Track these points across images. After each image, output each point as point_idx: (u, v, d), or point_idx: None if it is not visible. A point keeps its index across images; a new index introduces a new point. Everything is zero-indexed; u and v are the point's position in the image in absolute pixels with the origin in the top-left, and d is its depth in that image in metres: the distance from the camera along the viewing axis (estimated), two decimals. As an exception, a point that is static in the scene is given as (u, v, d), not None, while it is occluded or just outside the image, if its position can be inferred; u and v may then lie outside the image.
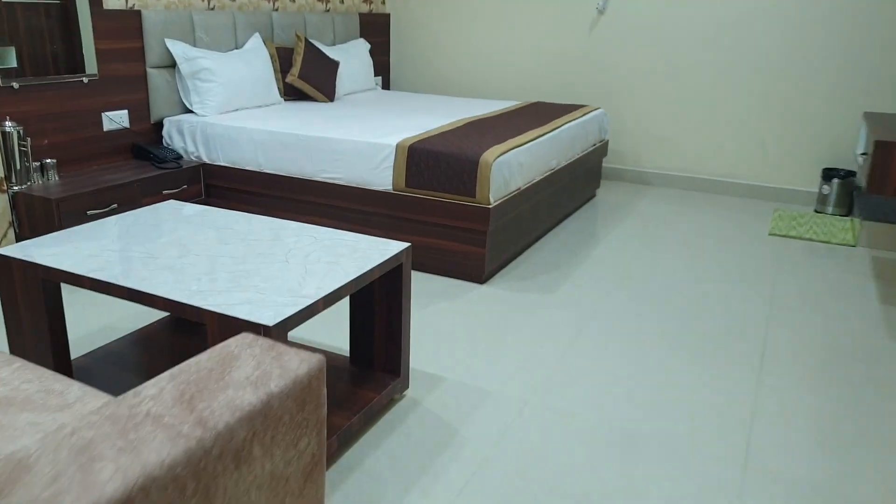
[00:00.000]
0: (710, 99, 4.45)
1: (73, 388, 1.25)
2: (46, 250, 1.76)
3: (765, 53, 4.25)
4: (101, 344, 2.35)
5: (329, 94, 4.23)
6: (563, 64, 4.83)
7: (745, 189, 4.51)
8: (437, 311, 2.69)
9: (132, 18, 3.39)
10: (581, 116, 3.93)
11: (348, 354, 2.20)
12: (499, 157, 2.87)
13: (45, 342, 1.80)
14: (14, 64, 2.98)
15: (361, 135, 3.17)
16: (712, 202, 4.38)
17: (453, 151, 2.90)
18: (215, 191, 3.53)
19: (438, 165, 2.91)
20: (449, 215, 2.93)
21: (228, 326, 1.44)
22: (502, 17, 4.94)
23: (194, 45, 3.70)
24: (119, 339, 2.18)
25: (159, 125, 3.64)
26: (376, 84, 5.24)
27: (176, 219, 2.06)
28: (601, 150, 4.25)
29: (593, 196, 4.44)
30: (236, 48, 3.97)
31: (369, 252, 1.83)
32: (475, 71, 5.16)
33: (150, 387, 0.89)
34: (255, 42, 4.00)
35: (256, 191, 3.40)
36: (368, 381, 1.97)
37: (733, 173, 4.52)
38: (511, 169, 2.97)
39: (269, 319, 1.42)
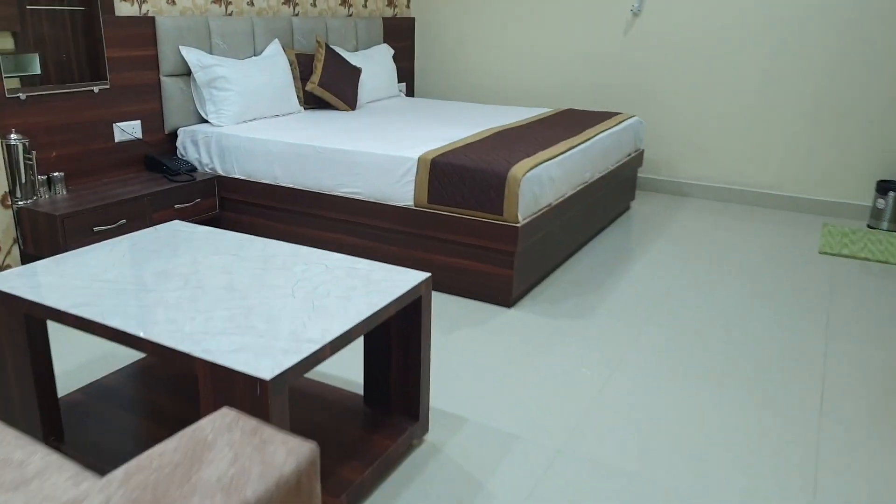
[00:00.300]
0: (753, 104, 4.19)
1: (36, 459, 1.07)
2: (30, 280, 1.61)
3: (814, 55, 3.98)
4: (99, 376, 2.19)
5: (350, 102, 4.06)
6: (595, 69, 4.61)
7: (791, 202, 4.24)
8: (460, 338, 2.49)
9: (145, 25, 3.26)
10: (616, 125, 3.71)
11: (362, 391, 2.01)
12: (528, 171, 2.67)
13: (27, 381, 1.64)
14: (38, 71, 2.86)
15: (382, 147, 2.99)
16: (755, 216, 4.12)
17: (479, 166, 2.70)
18: (230, 204, 3.38)
19: (463, 181, 2.72)
20: (474, 234, 2.73)
21: (221, 378, 1.26)
22: (532, 20, 4.74)
23: (210, 53, 3.56)
24: (116, 371, 2.02)
25: (174, 136, 3.50)
26: (400, 91, 5.07)
27: (178, 242, 1.90)
28: (636, 160, 4.02)
29: (627, 209, 4.21)
30: (255, 55, 3.82)
31: (384, 284, 1.64)
32: (503, 77, 4.96)
33: (96, 493, 0.71)
34: (274, 48, 3.85)
35: (272, 205, 3.24)
36: (384, 425, 1.78)
37: (778, 184, 4.26)
38: (541, 184, 2.76)
39: (267, 371, 1.24)
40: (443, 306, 2.76)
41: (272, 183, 3.21)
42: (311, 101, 4.02)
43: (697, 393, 2.16)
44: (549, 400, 2.10)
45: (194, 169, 3.39)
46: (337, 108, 4.06)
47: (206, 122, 3.52)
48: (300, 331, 1.39)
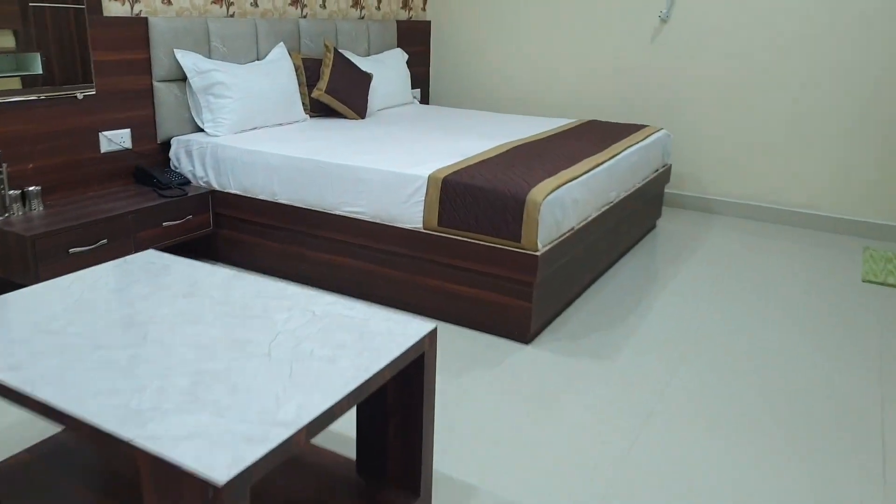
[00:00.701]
0: (789, 117, 3.89)
1: None
2: (-36, 330, 1.36)
3: (857, 66, 3.67)
4: (11, 452, 1.83)
5: (360, 110, 3.80)
6: (620, 77, 4.33)
7: (829, 222, 3.93)
8: (470, 383, 2.22)
9: (137, 27, 3.02)
10: (643, 139, 3.42)
11: (354, 457, 1.75)
12: (549, 194, 2.40)
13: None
14: (40, 71, 2.65)
15: (389, 163, 2.73)
16: (790, 237, 3.82)
17: (495, 187, 2.43)
18: (226, 221, 3.13)
19: (477, 203, 2.45)
20: (488, 261, 2.46)
21: (166, 476, 1.01)
22: (554, 25, 4.46)
23: (209, 57, 3.32)
24: (35, 445, 1.71)
25: (167, 146, 3.26)
26: (414, 98, 4.81)
27: (147, 279, 1.65)
28: (664, 176, 3.74)
29: (653, 227, 3.92)
30: (258, 59, 3.58)
31: (380, 340, 1.38)
32: (523, 85, 4.69)
33: None
34: (279, 52, 3.60)
35: (270, 223, 2.99)
36: (378, 501, 1.52)
37: (814, 203, 3.95)
38: (564, 208, 2.49)
39: (222, 471, 0.98)
40: (452, 342, 2.50)
41: (270, 199, 2.96)
42: (317, 109, 3.77)
43: (738, 451, 1.87)
44: (571, 461, 1.82)
45: (188, 182, 3.15)
46: (345, 117, 3.81)
47: (202, 131, 3.28)
48: (271, 408, 1.13)
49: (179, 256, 1.78)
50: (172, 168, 3.24)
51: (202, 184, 3.16)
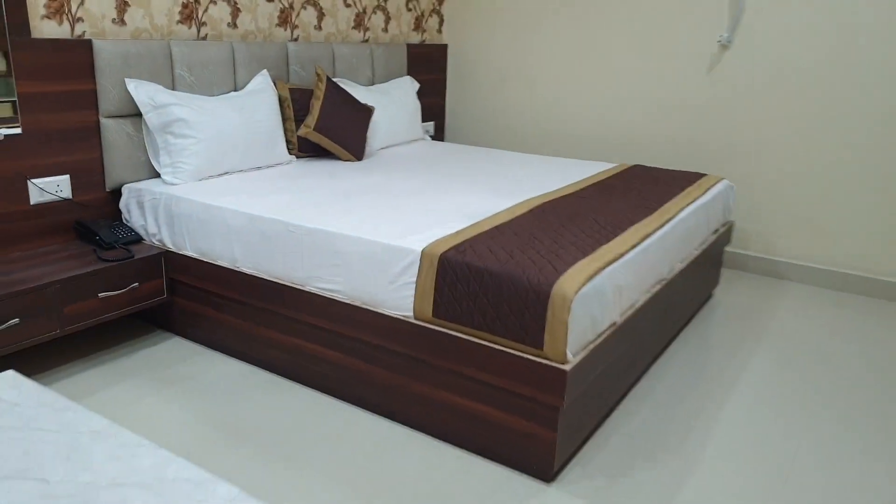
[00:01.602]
0: (878, 164, 3.18)
1: None
2: None
3: (970, 108, 2.97)
4: None
5: (356, 150, 3.21)
6: (670, 113, 3.66)
7: (930, 295, 3.20)
8: (468, 554, 1.57)
9: (79, 51, 2.47)
10: (702, 194, 2.76)
11: None
12: (585, 284, 1.75)
13: None
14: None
15: (374, 229, 2.11)
16: (882, 313, 3.09)
17: (510, 271, 1.79)
18: (183, 289, 2.54)
19: (485, 292, 1.81)
20: (498, 372, 1.82)
21: None
22: (590, 50, 3.83)
23: (172, 88, 2.76)
24: None
25: (119, 194, 2.69)
26: (426, 132, 4.21)
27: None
28: (725, 236, 3.06)
29: (709, 297, 3.23)
30: (235, 90, 3.01)
31: None
32: (554, 119, 4.05)
33: None
34: (261, 82, 3.03)
35: (231, 296, 2.39)
36: None
37: (911, 271, 3.23)
38: (604, 300, 1.84)
39: None
40: (449, 473, 1.85)
41: (231, 266, 2.37)
42: (306, 149, 3.18)
43: None
44: None
45: (139, 240, 2.58)
46: (339, 158, 3.21)
47: (160, 177, 2.70)
48: None
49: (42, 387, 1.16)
50: (125, 221, 2.67)
51: (155, 242, 2.58)
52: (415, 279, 1.95)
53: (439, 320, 1.91)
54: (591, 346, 1.82)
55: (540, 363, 1.74)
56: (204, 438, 2.00)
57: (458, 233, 2.05)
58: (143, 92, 2.60)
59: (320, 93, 3.13)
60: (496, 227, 2.12)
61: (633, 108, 3.76)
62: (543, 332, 1.73)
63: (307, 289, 2.18)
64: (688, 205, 2.58)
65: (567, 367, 1.71)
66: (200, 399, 2.21)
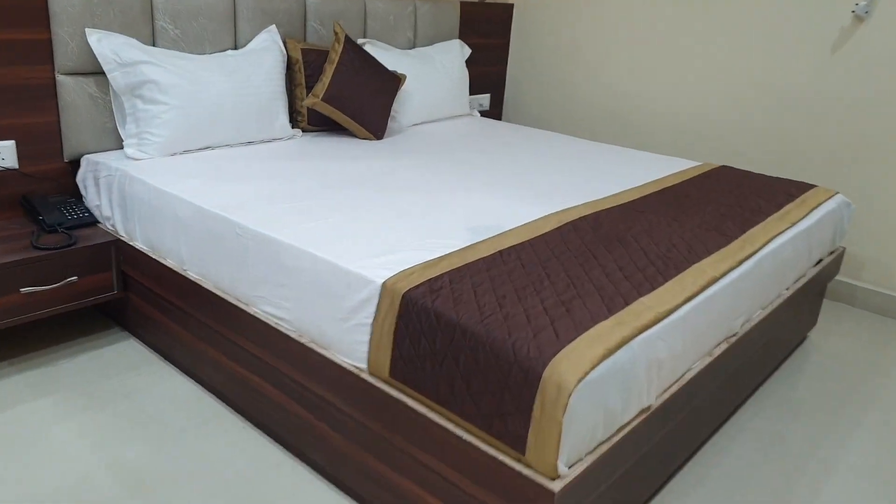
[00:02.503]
0: None
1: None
2: None
3: None
4: None
5: (375, 127, 2.67)
6: (777, 104, 2.90)
7: None
8: None
9: (27, -8, 2.04)
10: (805, 215, 2.06)
11: None
12: (596, 366, 1.16)
13: None
14: None
15: (333, 243, 1.58)
16: None
17: (490, 335, 1.22)
18: (136, 287, 2.11)
19: (455, 355, 1.26)
20: (464, 470, 1.27)
21: None
22: (682, 20, 3.10)
23: (152, 43, 2.31)
24: None
25: (77, 165, 2.28)
26: (480, 105, 3.62)
27: None
28: (832, 266, 2.34)
29: (804, 340, 2.52)
30: (234, 48, 2.53)
31: None
32: (630, 100, 3.36)
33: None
34: (265, 39, 2.54)
35: (178, 303, 1.94)
36: None
37: None
38: (628, 385, 1.24)
39: None
40: None
41: (176, 267, 1.91)
42: (317, 122, 2.68)
43: None
44: None
45: (93, 223, 2.17)
46: (355, 135, 2.69)
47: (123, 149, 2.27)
48: None
49: None
50: (83, 201, 2.26)
51: (109, 228, 2.16)
52: (371, 321, 1.41)
53: (396, 382, 1.37)
54: (601, 451, 1.23)
55: (519, 473, 1.18)
56: (105, 490, 1.56)
57: (441, 259, 1.49)
58: (106, 46, 2.15)
59: (335, 55, 2.60)
60: (500, 253, 1.54)
61: (728, 93, 3.02)
62: (528, 431, 1.16)
63: (251, 310, 1.68)
64: (785, 230, 1.90)
65: (556, 487, 1.14)
66: (129, 430, 1.78)
